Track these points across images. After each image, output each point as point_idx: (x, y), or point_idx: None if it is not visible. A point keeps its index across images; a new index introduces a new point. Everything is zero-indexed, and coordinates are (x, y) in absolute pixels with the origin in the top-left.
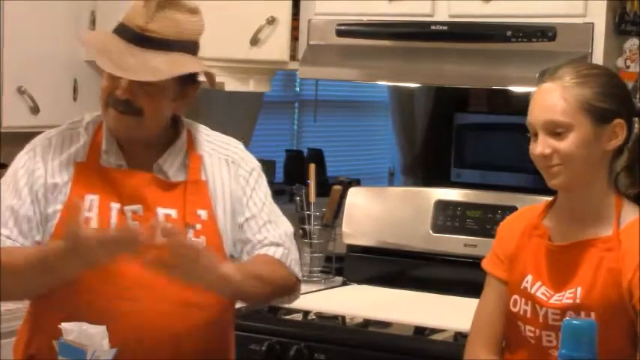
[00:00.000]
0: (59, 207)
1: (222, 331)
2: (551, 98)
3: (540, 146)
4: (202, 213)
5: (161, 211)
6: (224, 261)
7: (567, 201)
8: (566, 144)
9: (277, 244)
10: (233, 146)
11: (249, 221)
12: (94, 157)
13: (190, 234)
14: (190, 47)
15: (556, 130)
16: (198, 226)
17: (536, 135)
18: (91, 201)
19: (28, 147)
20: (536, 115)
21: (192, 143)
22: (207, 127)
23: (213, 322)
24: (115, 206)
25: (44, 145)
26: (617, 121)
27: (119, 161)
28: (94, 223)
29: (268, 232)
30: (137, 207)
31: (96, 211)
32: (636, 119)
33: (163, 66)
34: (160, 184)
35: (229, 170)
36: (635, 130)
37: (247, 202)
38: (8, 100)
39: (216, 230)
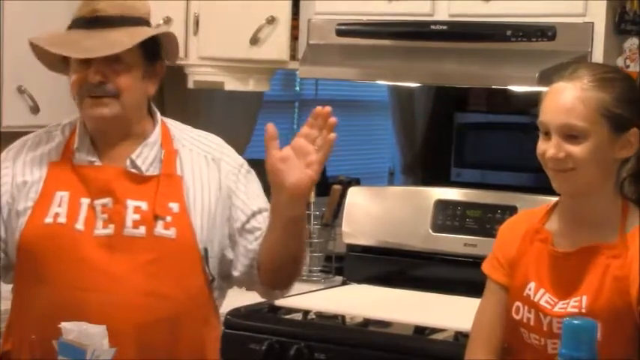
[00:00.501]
0: (30, 204)
1: (195, 326)
2: (569, 100)
3: (554, 149)
4: (174, 206)
5: (131, 203)
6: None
7: (573, 206)
8: (582, 149)
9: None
10: (213, 142)
11: (257, 215)
12: (67, 156)
13: (160, 225)
14: (143, 22)
15: (572, 134)
16: (169, 218)
17: (547, 134)
18: (61, 197)
19: (5, 150)
20: (551, 116)
21: (167, 138)
22: (183, 124)
23: (181, 315)
24: (85, 201)
25: (18, 147)
26: (634, 130)
27: (91, 157)
28: (62, 218)
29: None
30: (106, 200)
31: (65, 207)
32: None
33: (123, 38)
34: (132, 178)
35: (208, 166)
36: None
37: (247, 198)
38: (8, 100)
39: (188, 223)
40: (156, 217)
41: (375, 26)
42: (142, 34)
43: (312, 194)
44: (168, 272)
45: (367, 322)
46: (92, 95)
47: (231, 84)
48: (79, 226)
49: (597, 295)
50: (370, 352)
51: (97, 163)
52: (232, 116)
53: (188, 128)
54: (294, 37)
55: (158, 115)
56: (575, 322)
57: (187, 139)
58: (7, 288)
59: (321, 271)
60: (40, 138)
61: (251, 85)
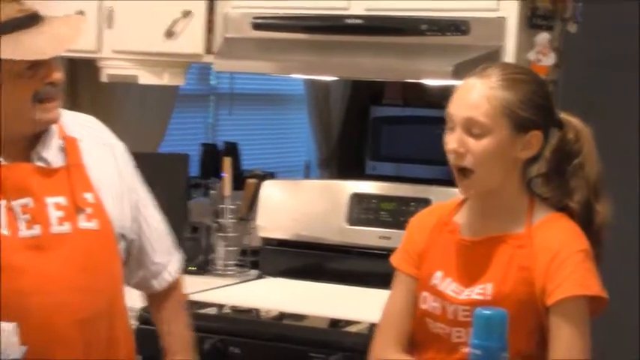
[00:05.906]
0: None
1: (125, 317)
2: (476, 96)
3: (456, 143)
4: (88, 196)
5: (50, 200)
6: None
7: (479, 200)
8: (481, 146)
9: (172, 254)
10: (97, 125)
11: (141, 202)
12: None
13: (82, 219)
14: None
15: (474, 130)
16: (89, 210)
17: (453, 128)
18: None
19: None
20: (458, 109)
21: (61, 126)
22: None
23: (116, 307)
24: (2, 203)
25: None
26: (535, 132)
27: None
28: None
29: (163, 240)
30: (26, 200)
31: None
32: (556, 129)
33: (65, 32)
34: (43, 173)
35: (104, 152)
36: (553, 141)
37: (135, 182)
38: None
39: (104, 212)
40: (78, 211)
41: (290, 20)
42: (78, 27)
43: (228, 188)
44: (99, 265)
45: (282, 316)
46: (49, 98)
47: (146, 78)
48: (4, 230)
49: (502, 283)
50: (285, 346)
51: (3, 162)
52: (147, 110)
53: (69, 113)
54: (210, 31)
55: None
56: (486, 312)
57: (77, 125)
58: None
59: (236, 265)
60: None
61: (166, 79)
